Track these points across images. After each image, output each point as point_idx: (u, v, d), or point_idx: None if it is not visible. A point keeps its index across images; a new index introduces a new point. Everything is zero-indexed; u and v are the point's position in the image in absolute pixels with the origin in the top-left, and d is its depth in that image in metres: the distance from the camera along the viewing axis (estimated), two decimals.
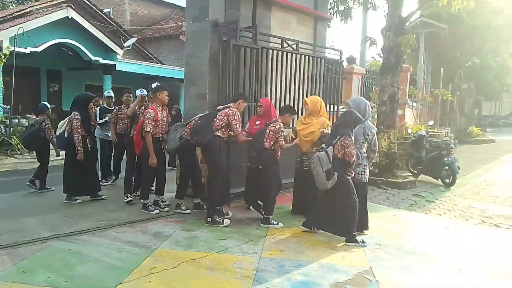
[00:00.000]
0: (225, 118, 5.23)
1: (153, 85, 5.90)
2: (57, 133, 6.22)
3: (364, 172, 5.12)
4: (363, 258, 4.29)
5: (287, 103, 7.25)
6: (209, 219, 5.16)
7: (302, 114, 7.12)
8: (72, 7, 13.17)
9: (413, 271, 4.02)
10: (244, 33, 6.52)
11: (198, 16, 6.38)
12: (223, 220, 5.20)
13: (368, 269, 3.98)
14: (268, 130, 5.25)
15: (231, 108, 5.29)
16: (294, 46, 7.31)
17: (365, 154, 5.14)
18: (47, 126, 6.64)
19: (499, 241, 5.11)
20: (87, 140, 6.05)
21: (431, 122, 13.65)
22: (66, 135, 5.99)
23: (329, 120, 5.86)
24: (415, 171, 9.22)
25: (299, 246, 4.54)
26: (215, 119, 5.23)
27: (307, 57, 7.58)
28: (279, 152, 5.44)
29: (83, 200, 6.10)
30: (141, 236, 4.67)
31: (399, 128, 10.58)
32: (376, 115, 9.16)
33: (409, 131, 11.62)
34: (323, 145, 4.91)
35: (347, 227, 4.67)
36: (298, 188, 5.76)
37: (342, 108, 8.00)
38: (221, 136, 5.27)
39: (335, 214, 4.71)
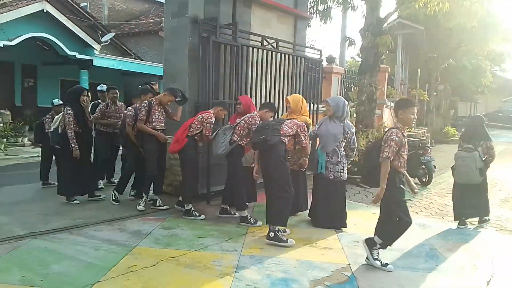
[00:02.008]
0: (294, 127, 4.76)
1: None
2: (51, 129, 6.01)
3: (343, 170, 5.19)
4: (341, 255, 4.34)
5: (267, 101, 7.27)
6: (272, 234, 4.49)
7: (283, 112, 7.17)
8: (47, 0, 12.83)
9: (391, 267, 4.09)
10: (224, 30, 6.50)
11: (177, 12, 6.32)
12: (287, 240, 4.52)
13: (346, 266, 4.03)
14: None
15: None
16: (274, 45, 7.33)
17: (344, 153, 5.21)
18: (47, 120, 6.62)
19: (473, 238, 5.25)
20: (83, 136, 5.79)
21: None
22: (59, 132, 5.75)
23: (309, 118, 5.89)
24: None
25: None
26: (283, 124, 4.74)
27: (287, 55, 7.61)
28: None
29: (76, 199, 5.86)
30: (119, 234, 4.61)
31: (377, 128, 10.73)
32: (355, 114, 9.27)
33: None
34: (469, 146, 5.45)
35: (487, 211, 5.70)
36: None
37: (322, 107, 8.07)
38: (286, 144, 4.71)
39: (477, 204, 5.56)
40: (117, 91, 6.89)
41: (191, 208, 5.37)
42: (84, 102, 5.90)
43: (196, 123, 5.33)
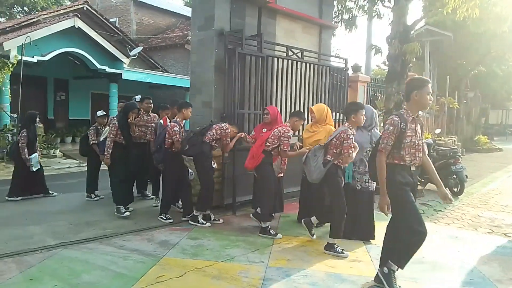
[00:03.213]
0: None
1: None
2: (101, 139, 6.38)
3: (371, 180, 5.08)
4: (371, 267, 4.24)
5: (292, 111, 7.24)
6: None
7: (308, 122, 7.13)
8: (78, 17, 13.29)
9: (422, 280, 3.97)
10: (249, 41, 6.55)
11: (203, 25, 6.42)
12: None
13: None
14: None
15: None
16: (299, 54, 7.33)
17: None
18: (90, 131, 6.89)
19: (508, 250, 5.04)
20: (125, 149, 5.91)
21: (438, 131, 13.56)
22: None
23: (334, 128, 5.82)
24: (423, 180, 9.13)
25: (306, 255, 4.50)
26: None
27: (312, 65, 7.60)
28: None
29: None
30: (147, 245, 4.66)
31: None
32: (382, 123, 9.12)
33: None
34: None
35: None
36: (305, 196, 5.72)
37: None
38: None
39: None
40: (151, 101, 6.90)
41: (268, 226, 5.13)
42: (130, 118, 5.94)
43: (272, 137, 5.14)
